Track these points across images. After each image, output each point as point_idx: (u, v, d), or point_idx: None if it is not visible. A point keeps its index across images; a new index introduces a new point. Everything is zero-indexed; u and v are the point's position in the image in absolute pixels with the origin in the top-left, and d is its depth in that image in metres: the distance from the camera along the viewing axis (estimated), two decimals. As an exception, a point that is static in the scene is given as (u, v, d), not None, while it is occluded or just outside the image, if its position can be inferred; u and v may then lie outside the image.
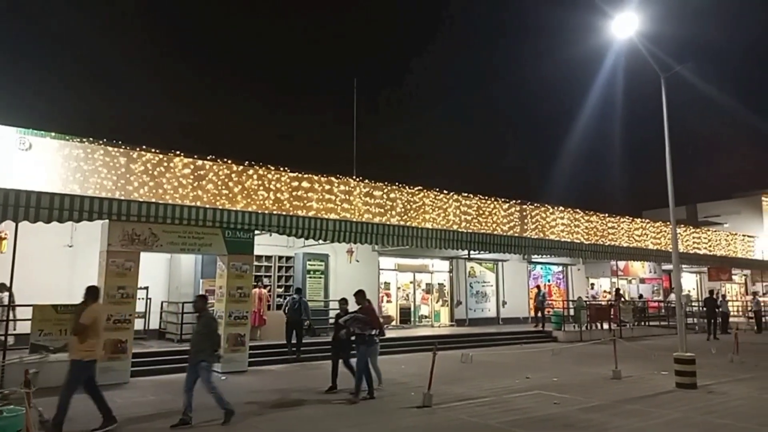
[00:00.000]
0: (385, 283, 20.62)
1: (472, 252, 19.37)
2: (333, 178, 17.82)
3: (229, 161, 15.77)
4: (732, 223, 35.62)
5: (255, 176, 16.18)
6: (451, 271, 21.95)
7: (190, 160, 15.18)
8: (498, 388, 10.33)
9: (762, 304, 25.57)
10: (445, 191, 20.57)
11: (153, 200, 13.44)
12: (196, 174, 15.21)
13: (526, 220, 22.90)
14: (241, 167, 15.96)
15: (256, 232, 12.85)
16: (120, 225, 10.97)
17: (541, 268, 25.10)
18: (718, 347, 16.48)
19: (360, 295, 9.85)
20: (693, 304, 26.56)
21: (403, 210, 19.24)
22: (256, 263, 15.73)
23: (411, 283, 21.26)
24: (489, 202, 21.84)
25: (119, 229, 10.97)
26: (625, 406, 8.86)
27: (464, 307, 21.86)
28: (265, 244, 15.53)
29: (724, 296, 24.66)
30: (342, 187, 17.94)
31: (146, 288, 14.37)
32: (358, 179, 18.47)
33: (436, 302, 21.79)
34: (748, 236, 33.79)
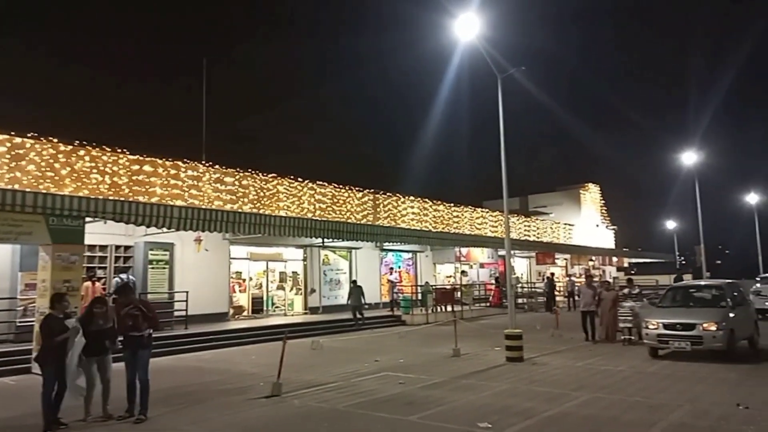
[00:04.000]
0: (237, 272, 19.98)
1: (326, 240, 19.50)
2: (180, 163, 16.79)
3: (56, 140, 14.09)
4: (556, 213, 40.12)
5: (87, 158, 14.66)
6: (305, 260, 21.89)
7: (6, 137, 13.31)
8: (347, 373, 10.56)
9: (577, 285, 29.15)
10: (299, 179, 20.42)
11: (-44, 182, 11.57)
12: (13, 153, 13.36)
13: (378, 209, 23.60)
14: (69, 147, 14.35)
15: (88, 219, 11.64)
16: None
17: (393, 255, 26.08)
18: (542, 323, 18.49)
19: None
20: (523, 286, 29.44)
21: (256, 197, 18.74)
22: (88, 253, 14.39)
23: (264, 272, 20.83)
24: (343, 190, 22.12)
25: None
26: (461, 381, 9.58)
27: (318, 295, 21.97)
28: (100, 233, 14.16)
29: (551, 278, 27.67)
30: (190, 173, 16.98)
31: (-52, 284, 12.37)
32: (207, 165, 17.60)
33: (290, 291, 21.61)
34: (569, 224, 38.34)
